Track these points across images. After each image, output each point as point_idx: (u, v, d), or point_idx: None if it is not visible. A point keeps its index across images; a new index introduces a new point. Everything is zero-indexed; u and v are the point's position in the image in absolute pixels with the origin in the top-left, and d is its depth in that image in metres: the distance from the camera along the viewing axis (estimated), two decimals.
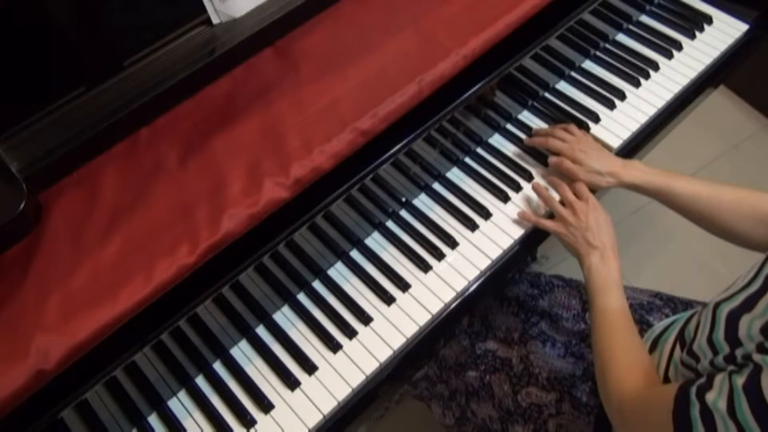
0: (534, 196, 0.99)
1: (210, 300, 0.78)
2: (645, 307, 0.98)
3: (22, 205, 0.64)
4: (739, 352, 0.58)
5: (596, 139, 1.03)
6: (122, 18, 0.74)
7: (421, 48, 0.83)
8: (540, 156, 1.05)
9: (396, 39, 0.84)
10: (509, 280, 1.09)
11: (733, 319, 0.60)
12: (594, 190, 0.96)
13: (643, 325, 0.95)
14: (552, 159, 0.99)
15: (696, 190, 0.87)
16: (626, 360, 0.74)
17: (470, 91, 0.90)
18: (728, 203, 0.84)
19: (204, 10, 0.78)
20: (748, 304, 0.59)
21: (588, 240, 0.87)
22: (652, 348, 0.85)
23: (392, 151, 0.85)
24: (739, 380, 0.55)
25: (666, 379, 0.73)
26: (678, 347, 0.70)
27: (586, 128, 1.08)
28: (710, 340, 0.62)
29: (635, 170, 0.93)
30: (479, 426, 0.99)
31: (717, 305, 0.64)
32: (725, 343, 0.60)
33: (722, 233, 0.86)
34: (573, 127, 1.02)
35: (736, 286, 0.63)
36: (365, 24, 0.86)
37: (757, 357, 0.55)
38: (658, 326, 0.90)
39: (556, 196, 0.97)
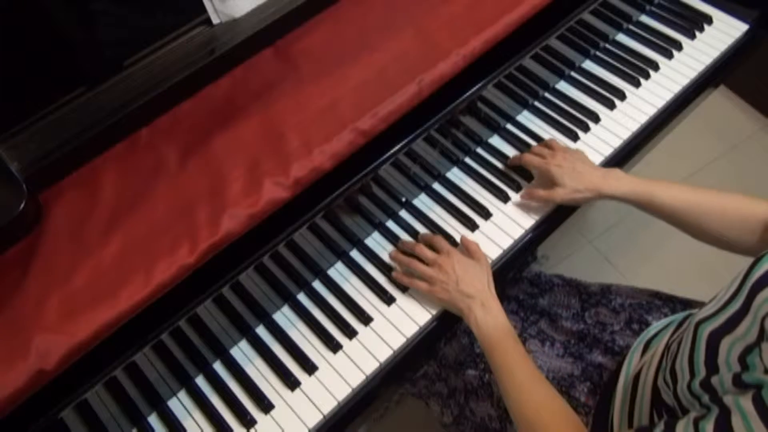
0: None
1: (210, 300, 0.78)
2: (644, 307, 0.98)
3: (22, 205, 0.64)
4: (714, 381, 0.56)
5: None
6: (122, 18, 0.74)
7: (421, 48, 0.83)
8: None
9: (396, 39, 0.84)
10: (509, 279, 1.09)
11: (714, 341, 0.57)
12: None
13: (641, 325, 0.95)
14: (523, 193, 0.97)
15: (679, 198, 0.85)
16: (550, 415, 0.73)
17: (470, 91, 0.90)
18: (713, 211, 0.82)
19: (204, 10, 0.78)
20: (730, 325, 0.56)
21: (462, 291, 0.85)
22: (645, 350, 0.85)
23: (392, 151, 0.85)
24: (708, 426, 0.51)
25: (655, 389, 0.72)
26: (666, 359, 0.68)
27: (586, 128, 1.08)
28: (691, 360, 0.60)
29: (615, 181, 0.90)
30: (478, 425, 0.99)
31: (699, 324, 0.61)
32: (704, 366, 0.58)
33: (709, 240, 0.84)
34: (552, 141, 1.01)
35: (719, 300, 0.61)
36: (365, 24, 0.86)
37: (728, 399, 0.52)
38: (653, 327, 0.90)
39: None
